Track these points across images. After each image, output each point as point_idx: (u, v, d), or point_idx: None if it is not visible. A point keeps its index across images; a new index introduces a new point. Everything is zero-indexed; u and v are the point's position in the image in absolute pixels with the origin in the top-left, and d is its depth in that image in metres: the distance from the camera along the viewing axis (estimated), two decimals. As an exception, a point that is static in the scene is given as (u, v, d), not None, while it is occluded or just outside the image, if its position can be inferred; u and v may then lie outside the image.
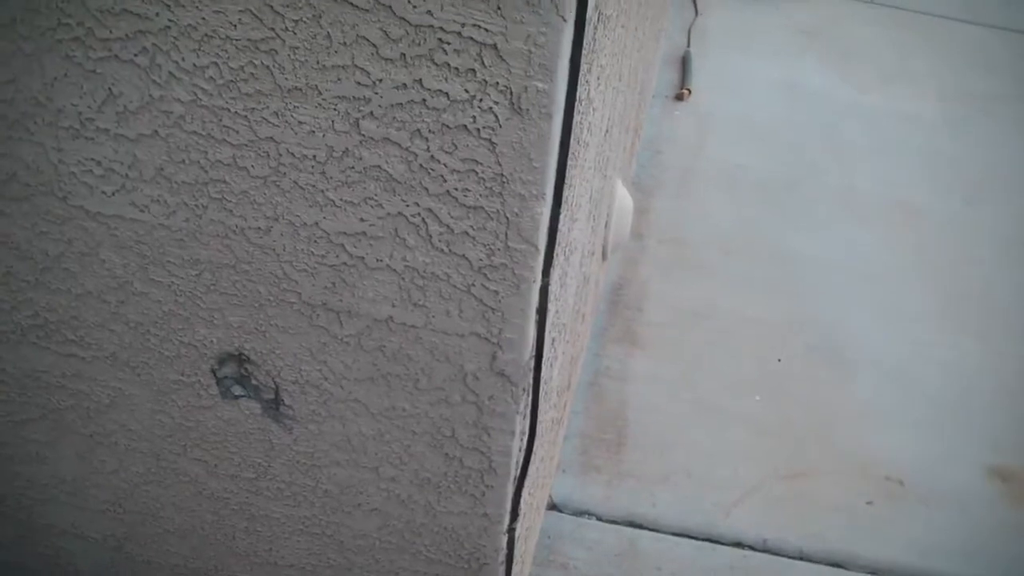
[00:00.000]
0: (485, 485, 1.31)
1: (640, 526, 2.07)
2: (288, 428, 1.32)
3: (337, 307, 1.16)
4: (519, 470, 1.32)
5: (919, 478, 2.25)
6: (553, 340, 1.30)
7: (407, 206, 1.06)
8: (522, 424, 1.25)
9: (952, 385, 2.51)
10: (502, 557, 1.43)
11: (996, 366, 2.58)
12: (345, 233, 1.09)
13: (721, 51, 3.72)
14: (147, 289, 1.20)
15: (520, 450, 1.29)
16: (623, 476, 2.17)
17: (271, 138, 1.04)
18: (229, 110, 1.02)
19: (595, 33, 1.06)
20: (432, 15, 0.92)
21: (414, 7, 0.92)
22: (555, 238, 1.09)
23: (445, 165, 1.02)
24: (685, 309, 2.62)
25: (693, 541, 2.06)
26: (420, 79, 0.96)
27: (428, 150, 1.01)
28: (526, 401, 1.23)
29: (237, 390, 1.29)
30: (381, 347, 1.19)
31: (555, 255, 1.12)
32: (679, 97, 3.43)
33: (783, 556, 2.06)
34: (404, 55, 0.95)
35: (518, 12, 0.91)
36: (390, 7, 0.92)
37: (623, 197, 1.88)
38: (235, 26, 0.97)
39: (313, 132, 1.02)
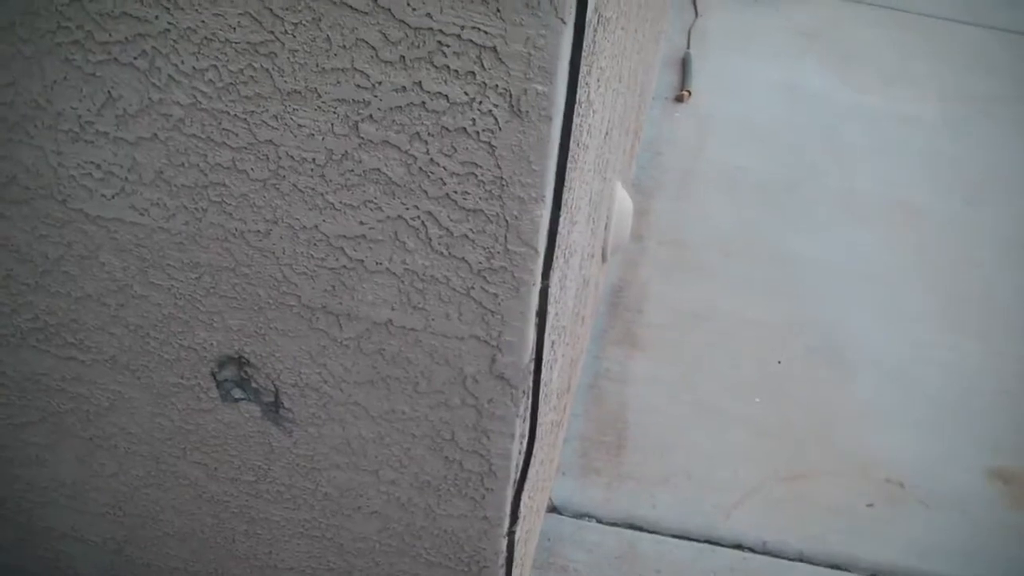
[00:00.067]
0: (485, 488, 1.31)
1: (640, 528, 2.07)
2: (288, 431, 1.31)
3: (337, 310, 1.16)
4: (519, 473, 1.32)
5: (919, 480, 2.25)
6: (553, 343, 1.30)
7: (407, 209, 1.06)
8: (522, 427, 1.25)
9: (952, 386, 2.51)
10: (502, 560, 1.43)
11: (996, 367, 2.58)
12: (345, 236, 1.09)
13: (721, 53, 3.71)
14: (147, 292, 1.20)
15: (520, 453, 1.29)
16: (623, 478, 2.17)
17: (270, 141, 1.04)
18: (228, 113, 1.02)
19: (595, 35, 1.06)
20: (431, 17, 0.92)
21: (413, 10, 0.92)
22: (555, 241, 1.09)
23: (444, 168, 1.02)
24: (685, 311, 2.62)
25: (693, 543, 2.06)
26: (419, 82, 0.96)
27: (428, 153, 1.01)
28: (526, 404, 1.22)
29: (237, 393, 1.29)
30: (381, 350, 1.19)
31: (555, 258, 1.11)
32: (679, 99, 3.43)
33: (783, 558, 2.06)
34: (403, 58, 0.95)
35: (517, 14, 0.91)
36: (389, 10, 0.92)
37: (623, 199, 1.88)
38: (234, 29, 0.96)
39: (312, 135, 1.02)
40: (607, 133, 1.50)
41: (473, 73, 0.95)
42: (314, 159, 1.04)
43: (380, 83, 0.97)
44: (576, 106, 1.01)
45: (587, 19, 0.95)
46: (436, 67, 0.95)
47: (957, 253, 2.95)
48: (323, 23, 0.94)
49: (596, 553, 2.01)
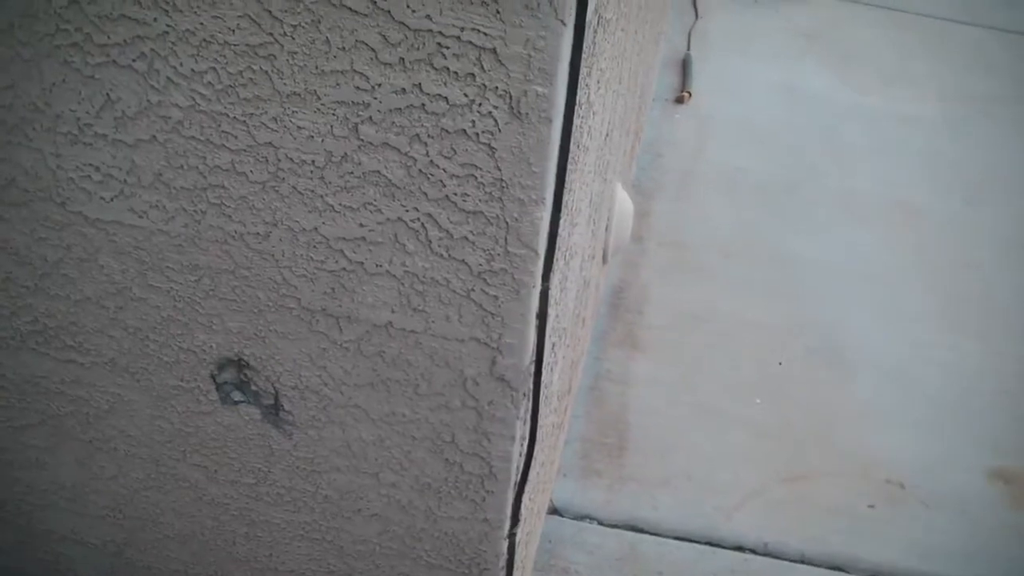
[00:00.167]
0: (485, 490, 1.31)
1: (641, 530, 2.07)
2: (288, 434, 1.31)
3: (336, 312, 1.16)
4: (519, 475, 1.32)
5: (920, 480, 2.25)
6: (553, 345, 1.29)
7: (406, 211, 1.05)
8: (522, 429, 1.25)
9: (952, 386, 2.51)
10: (503, 562, 1.42)
11: (996, 367, 2.58)
12: (344, 238, 1.09)
13: (721, 54, 3.72)
14: (146, 295, 1.20)
15: (520, 455, 1.29)
16: (624, 480, 2.17)
17: (270, 143, 1.03)
18: (228, 115, 1.02)
19: (595, 37, 1.05)
20: (431, 19, 0.92)
21: (413, 11, 0.92)
22: (555, 243, 1.09)
23: (444, 170, 1.02)
24: (685, 312, 2.62)
25: (694, 545, 2.06)
26: (419, 83, 0.96)
27: (427, 155, 1.01)
28: (526, 406, 1.22)
29: (236, 396, 1.29)
30: (381, 352, 1.19)
31: (555, 260, 1.11)
32: (679, 100, 3.43)
33: (784, 559, 2.06)
34: (403, 60, 0.95)
35: (517, 16, 0.90)
36: (389, 12, 0.92)
37: (623, 201, 1.87)
38: (233, 31, 0.96)
39: (312, 137, 1.02)
40: (607, 135, 1.50)
41: (473, 75, 0.95)
42: (313, 161, 1.04)
43: (380, 85, 0.97)
44: (576, 108, 1.00)
45: (587, 20, 0.95)
46: (436, 69, 0.95)
47: (957, 253, 2.95)
48: (322, 25, 0.94)
49: (597, 555, 2.01)
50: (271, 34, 0.96)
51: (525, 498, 1.37)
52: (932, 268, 2.88)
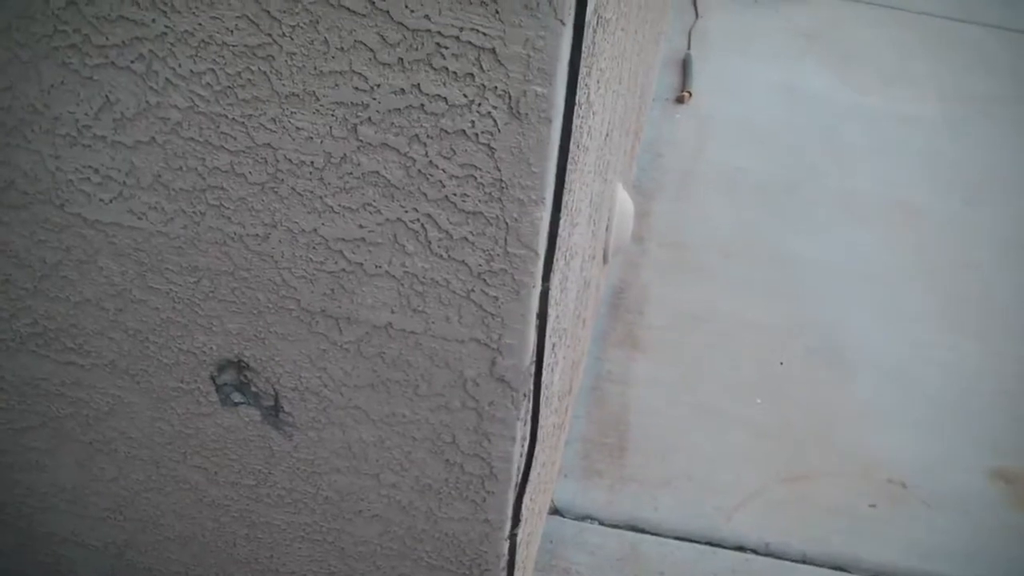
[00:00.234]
0: (486, 491, 1.30)
1: (642, 530, 2.07)
2: (288, 435, 1.31)
3: (336, 314, 1.16)
4: (520, 476, 1.31)
5: (921, 480, 2.25)
6: (554, 345, 1.29)
7: (406, 212, 1.05)
8: (523, 430, 1.25)
9: (952, 386, 2.51)
10: (503, 563, 1.42)
11: (996, 367, 2.58)
12: (344, 239, 1.09)
13: (721, 54, 3.72)
14: (145, 296, 1.20)
15: (521, 456, 1.29)
16: (625, 480, 2.16)
17: (269, 144, 1.03)
18: (226, 116, 1.02)
19: (594, 36, 1.05)
20: (430, 19, 0.92)
21: (412, 12, 0.92)
22: (555, 243, 1.09)
23: (444, 170, 1.01)
24: (686, 312, 2.62)
25: (695, 545, 2.05)
26: (418, 84, 0.96)
27: (427, 155, 1.01)
28: (527, 407, 1.22)
29: (236, 397, 1.29)
30: (381, 353, 1.19)
31: (555, 260, 1.11)
32: (679, 100, 3.43)
33: (785, 560, 2.06)
34: (402, 60, 0.95)
35: (516, 16, 0.90)
36: (387, 12, 0.92)
37: (624, 201, 1.87)
38: (232, 32, 0.96)
39: (311, 138, 1.02)
40: (607, 135, 1.50)
41: (472, 75, 0.94)
42: (312, 162, 1.04)
43: (378, 85, 0.97)
44: (576, 108, 1.00)
45: (586, 20, 0.95)
46: (435, 69, 0.95)
47: (956, 253, 2.95)
48: (321, 25, 0.94)
49: (598, 555, 2.01)
50: (270, 35, 0.96)
51: (526, 499, 1.37)
52: (932, 268, 2.88)
